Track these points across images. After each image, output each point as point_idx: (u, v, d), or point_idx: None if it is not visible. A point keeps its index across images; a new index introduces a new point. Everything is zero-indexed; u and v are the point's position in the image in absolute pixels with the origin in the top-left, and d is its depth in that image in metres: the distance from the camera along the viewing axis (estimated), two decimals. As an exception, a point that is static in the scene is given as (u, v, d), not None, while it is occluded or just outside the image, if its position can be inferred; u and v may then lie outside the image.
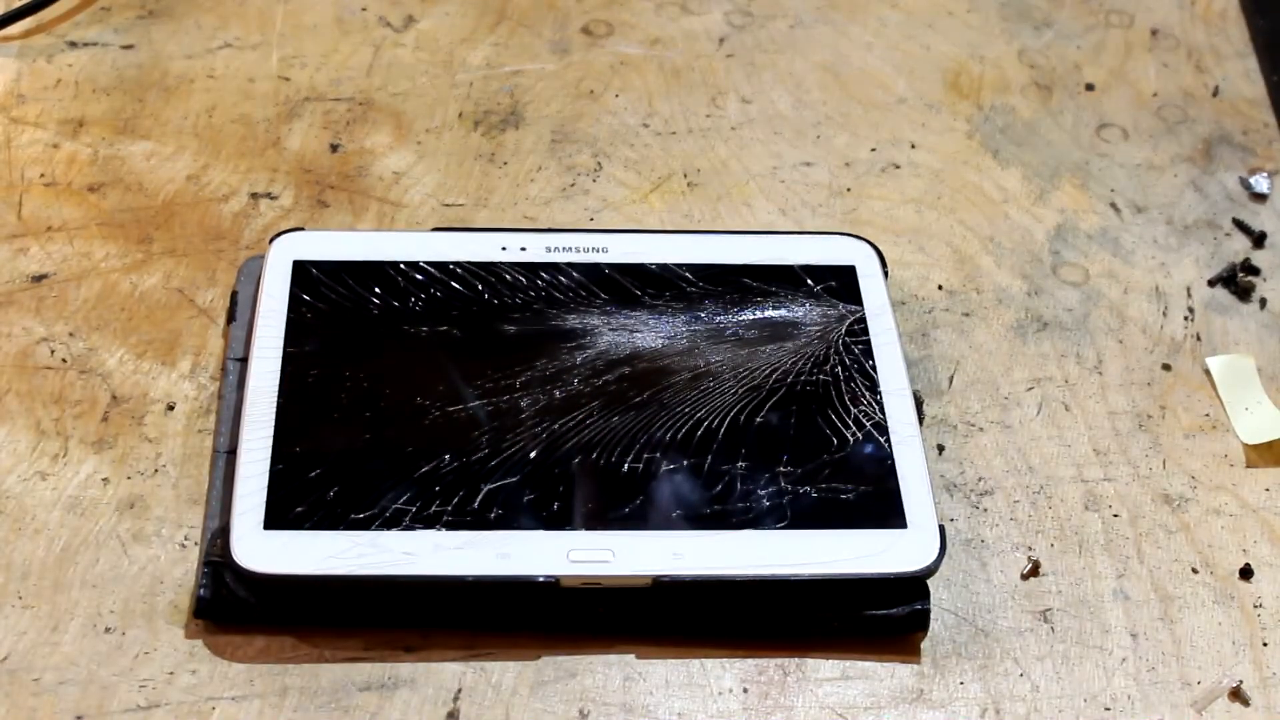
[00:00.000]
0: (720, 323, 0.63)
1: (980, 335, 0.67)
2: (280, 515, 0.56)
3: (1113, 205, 0.72)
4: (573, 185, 0.71)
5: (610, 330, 0.63)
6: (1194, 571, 0.60)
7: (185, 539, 0.58)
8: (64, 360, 0.63)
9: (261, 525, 0.56)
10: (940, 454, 0.63)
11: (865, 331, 0.63)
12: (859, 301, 0.64)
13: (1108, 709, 0.56)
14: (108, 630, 0.56)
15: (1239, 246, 0.71)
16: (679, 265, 0.65)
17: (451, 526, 0.56)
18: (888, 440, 0.60)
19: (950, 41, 0.79)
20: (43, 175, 0.69)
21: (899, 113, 0.75)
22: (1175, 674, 0.57)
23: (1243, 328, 0.68)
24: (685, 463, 0.59)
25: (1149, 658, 0.57)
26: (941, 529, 0.57)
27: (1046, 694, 0.56)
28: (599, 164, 0.72)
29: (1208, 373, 0.66)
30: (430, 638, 0.56)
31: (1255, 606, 0.59)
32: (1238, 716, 0.56)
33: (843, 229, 0.70)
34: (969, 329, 0.67)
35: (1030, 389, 0.65)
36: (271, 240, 0.65)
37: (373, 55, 0.76)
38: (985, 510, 0.61)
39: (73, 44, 0.75)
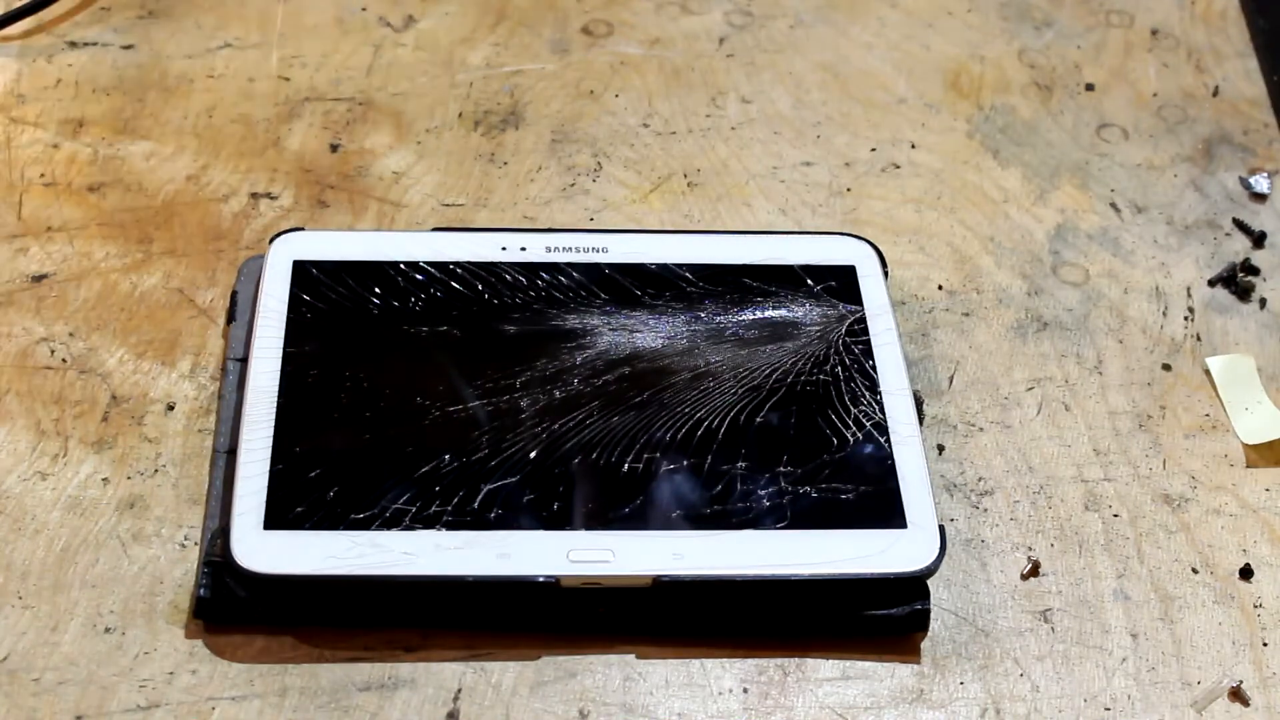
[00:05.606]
0: (720, 323, 0.63)
1: (980, 335, 0.67)
2: (280, 515, 0.56)
3: (1113, 205, 0.72)
4: (573, 185, 0.71)
5: (610, 330, 0.63)
6: (1194, 571, 0.60)
7: (185, 539, 0.58)
8: (64, 360, 0.63)
9: (261, 525, 0.56)
10: (940, 454, 0.62)
11: (865, 331, 0.63)
12: (859, 301, 0.64)
13: (1108, 709, 0.56)
14: (108, 630, 0.56)
15: (1239, 246, 0.71)
16: (679, 265, 0.65)
17: (451, 526, 0.56)
18: (888, 440, 0.60)
19: (950, 41, 0.79)
20: (43, 175, 0.69)
21: (899, 113, 0.75)
22: (1175, 674, 0.57)
23: (1243, 328, 0.68)
24: (685, 463, 0.59)
25: (1149, 658, 0.57)
26: (941, 529, 0.57)
27: (1046, 694, 0.56)
28: (599, 164, 0.72)
29: (1208, 373, 0.66)
30: (430, 638, 0.56)
31: (1255, 606, 0.59)
32: (1238, 716, 0.56)
33: (843, 229, 0.70)
34: (969, 329, 0.67)
35: (1030, 389, 0.65)
36: (271, 240, 0.65)
37: (373, 55, 0.76)
38: (985, 510, 0.61)
39: (73, 44, 0.75)
